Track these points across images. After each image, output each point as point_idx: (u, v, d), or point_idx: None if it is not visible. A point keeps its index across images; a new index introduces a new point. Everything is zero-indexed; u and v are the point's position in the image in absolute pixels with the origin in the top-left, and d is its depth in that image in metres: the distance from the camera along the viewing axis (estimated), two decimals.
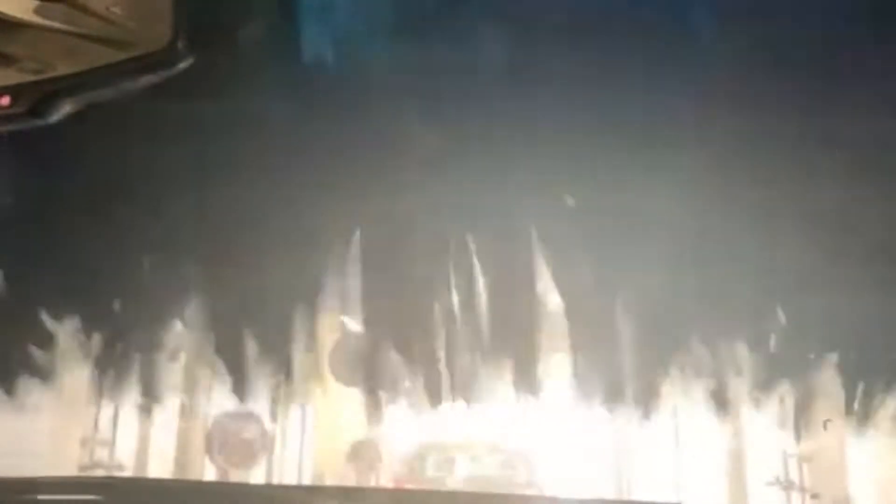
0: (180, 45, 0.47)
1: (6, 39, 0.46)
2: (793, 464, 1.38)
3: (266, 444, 3.51)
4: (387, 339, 1.31)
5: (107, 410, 1.58)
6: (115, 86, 0.49)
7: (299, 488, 1.58)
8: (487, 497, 1.93)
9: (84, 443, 1.76)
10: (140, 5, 0.48)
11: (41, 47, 0.47)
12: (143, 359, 1.48)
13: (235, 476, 3.15)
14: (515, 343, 1.14)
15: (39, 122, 0.51)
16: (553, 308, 1.18)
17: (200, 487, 1.04)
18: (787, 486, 1.28)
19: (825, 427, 2.49)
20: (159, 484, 1.06)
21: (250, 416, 3.44)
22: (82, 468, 1.63)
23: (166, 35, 0.48)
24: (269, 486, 1.67)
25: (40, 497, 0.86)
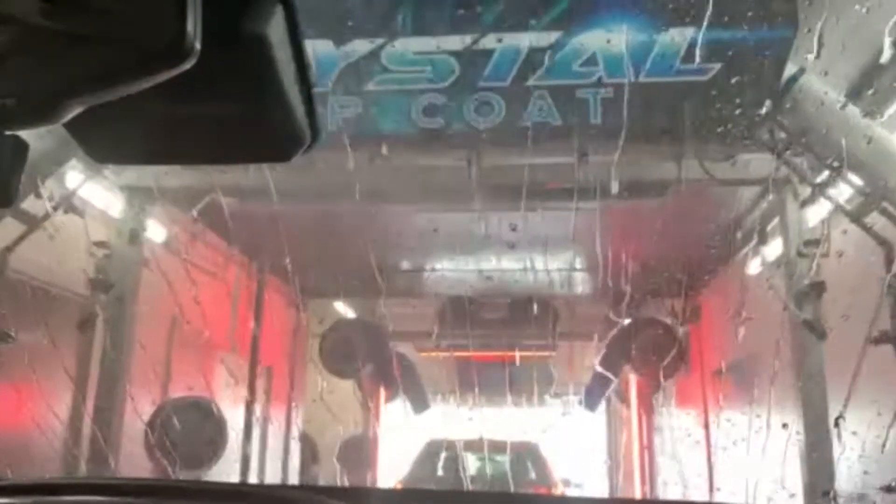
0: (187, 41, 0.43)
1: (10, 40, 0.43)
2: None
3: (225, 441, 3.30)
4: None
5: None
6: (124, 85, 0.45)
7: (302, 488, 1.47)
8: (491, 496, 1.82)
9: None
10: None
11: (46, 48, 0.44)
12: None
13: (182, 476, 2.96)
14: None
15: (47, 124, 0.47)
16: None
17: (198, 487, 0.96)
18: None
19: (836, 424, 2.55)
20: (152, 484, 0.98)
21: (212, 411, 3.23)
22: None
23: (172, 31, 0.44)
24: (270, 486, 1.56)
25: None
